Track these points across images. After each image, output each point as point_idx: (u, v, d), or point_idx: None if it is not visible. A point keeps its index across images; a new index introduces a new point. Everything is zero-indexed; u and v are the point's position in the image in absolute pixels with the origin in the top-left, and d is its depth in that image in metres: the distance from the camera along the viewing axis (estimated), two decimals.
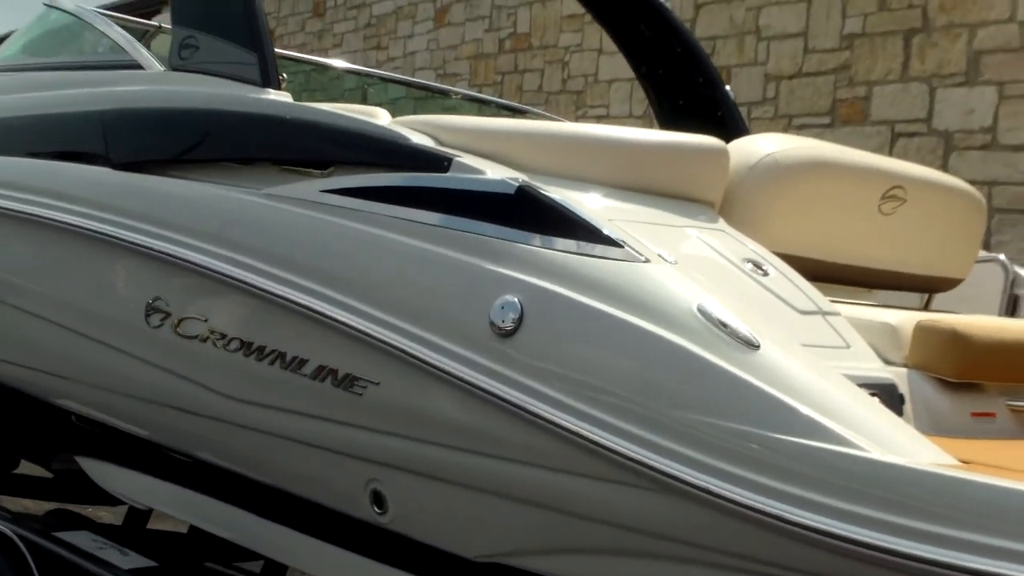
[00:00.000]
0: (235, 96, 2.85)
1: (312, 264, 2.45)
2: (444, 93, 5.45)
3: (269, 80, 2.87)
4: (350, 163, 2.53)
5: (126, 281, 3.00)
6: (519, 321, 2.08)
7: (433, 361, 2.18)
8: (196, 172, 2.83)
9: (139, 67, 3.32)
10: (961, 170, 6.40)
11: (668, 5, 4.15)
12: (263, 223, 2.60)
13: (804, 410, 1.82)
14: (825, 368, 1.97)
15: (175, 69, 3.13)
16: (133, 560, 3.22)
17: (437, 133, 2.47)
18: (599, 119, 9.72)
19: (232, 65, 2.94)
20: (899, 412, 2.14)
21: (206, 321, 2.69)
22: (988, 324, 2.67)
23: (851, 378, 1.99)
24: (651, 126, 7.68)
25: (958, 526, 1.63)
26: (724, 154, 2.60)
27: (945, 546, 1.63)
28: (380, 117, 2.61)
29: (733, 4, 8.63)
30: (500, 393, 2.08)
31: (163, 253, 2.75)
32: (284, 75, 2.98)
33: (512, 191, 2.22)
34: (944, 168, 6.65)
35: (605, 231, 2.13)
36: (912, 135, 7.36)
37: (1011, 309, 3.35)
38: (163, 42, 3.96)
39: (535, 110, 5.52)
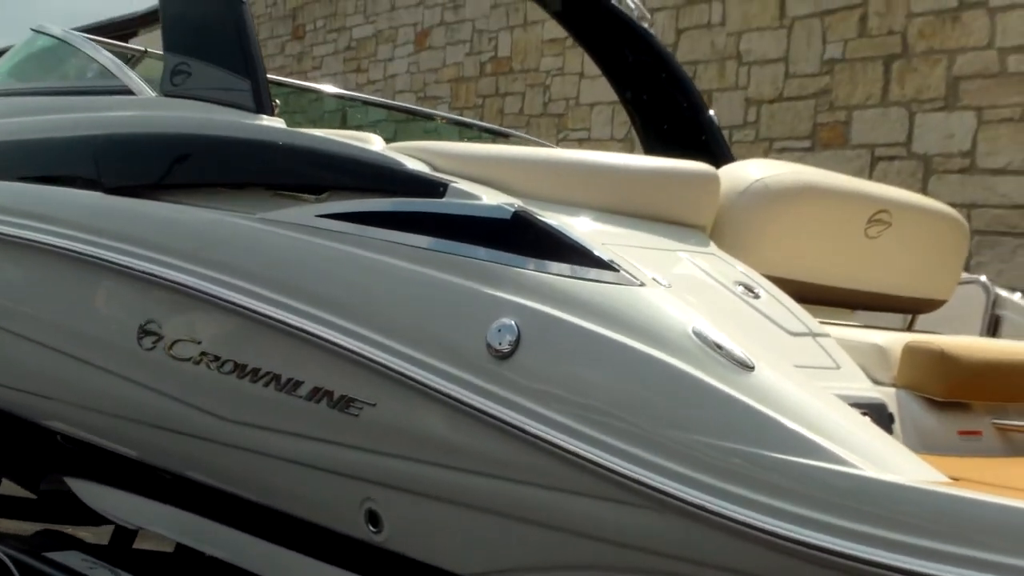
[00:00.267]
0: (230, 122, 2.87)
1: (308, 287, 2.47)
2: (430, 117, 5.48)
3: (263, 106, 2.88)
4: (345, 188, 2.55)
5: (118, 304, 3.01)
6: (516, 343, 2.11)
7: (430, 382, 2.20)
8: (190, 197, 2.84)
9: (129, 92, 3.34)
10: (940, 193, 6.47)
11: (652, 31, 4.20)
12: (258, 247, 2.62)
13: (799, 429, 1.85)
14: (817, 388, 2.00)
15: (167, 95, 3.14)
16: None
17: (432, 159, 2.50)
18: (580, 142, 9.77)
19: (225, 91, 2.96)
20: (889, 431, 2.18)
21: (200, 343, 2.70)
22: (974, 345, 2.71)
23: (842, 398, 2.03)
24: (633, 150, 7.75)
25: (949, 541, 1.67)
26: (715, 179, 2.65)
27: (937, 560, 1.67)
28: (374, 143, 2.63)
29: (714, 29, 8.70)
30: (497, 413, 2.10)
31: (156, 276, 2.76)
32: (277, 101, 3.00)
33: (508, 216, 2.25)
34: (923, 191, 6.72)
35: (601, 255, 2.16)
36: (892, 159, 7.43)
37: (992, 329, 3.40)
38: (149, 66, 3.98)
39: (518, 133, 5.56)
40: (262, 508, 2.80)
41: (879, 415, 2.22)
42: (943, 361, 2.42)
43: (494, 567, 2.30)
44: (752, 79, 8.39)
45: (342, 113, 6.75)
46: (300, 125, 2.91)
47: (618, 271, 2.13)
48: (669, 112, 4.06)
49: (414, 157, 2.51)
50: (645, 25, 4.17)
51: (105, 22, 16.73)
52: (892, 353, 2.48)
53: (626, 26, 4.11)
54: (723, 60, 8.60)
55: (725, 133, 4.27)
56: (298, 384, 2.48)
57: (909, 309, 3.29)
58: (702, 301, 2.19)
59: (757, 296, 2.38)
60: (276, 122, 2.85)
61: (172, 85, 3.12)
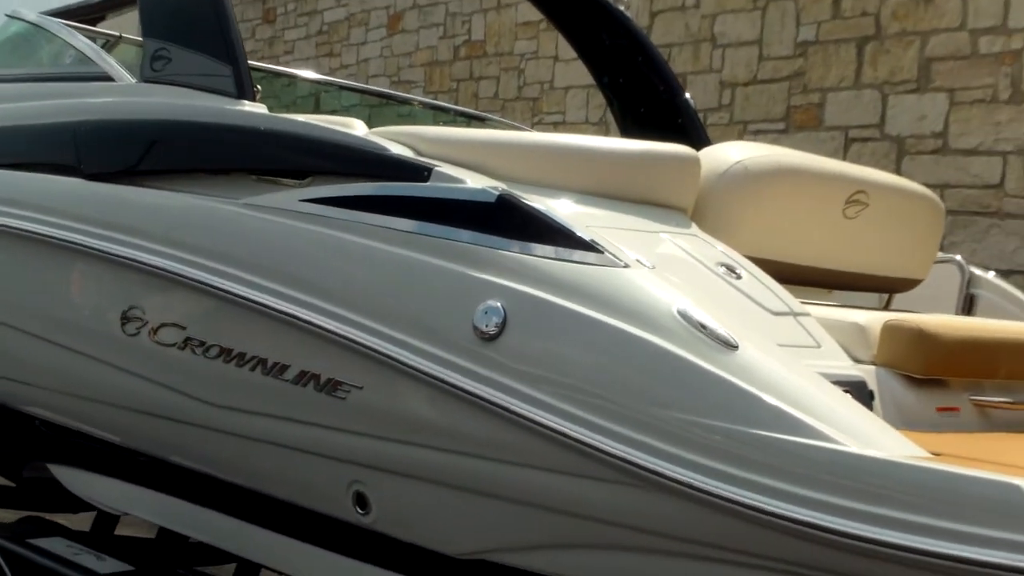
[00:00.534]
0: (212, 108, 2.87)
1: (294, 272, 2.48)
2: (405, 101, 5.48)
3: (244, 92, 2.89)
4: (329, 173, 2.56)
5: (100, 290, 3.01)
6: (502, 325, 2.13)
7: (417, 365, 2.22)
8: (172, 183, 2.84)
9: (108, 78, 3.33)
10: (914, 174, 6.51)
11: (628, 13, 4.22)
12: (242, 232, 2.63)
13: (783, 406, 1.88)
14: (800, 367, 2.04)
15: (148, 81, 3.13)
16: (110, 565, 3.23)
17: (415, 143, 2.52)
18: (555, 126, 9.78)
19: (207, 77, 2.95)
20: (869, 407, 2.20)
21: (185, 329, 2.71)
22: (952, 323, 2.75)
23: (824, 376, 2.06)
24: (607, 133, 7.77)
25: (932, 514, 1.70)
26: (696, 162, 2.67)
27: (919, 533, 1.70)
28: (356, 128, 2.64)
29: (688, 12, 8.72)
30: (484, 395, 2.12)
31: (138, 262, 2.77)
32: (259, 87, 3.00)
33: (493, 199, 2.27)
34: (897, 172, 6.76)
35: (585, 237, 2.18)
36: (865, 140, 7.48)
37: (967, 308, 3.44)
38: (124, 51, 3.97)
39: (495, 117, 5.57)
40: (249, 492, 2.81)
41: (859, 392, 2.25)
42: (922, 339, 2.45)
43: (481, 547, 2.32)
44: (726, 62, 8.42)
45: (315, 98, 6.74)
46: (273, 110, 2.91)
47: (602, 253, 2.15)
48: (646, 95, 4.08)
49: (397, 141, 2.52)
50: (621, 8, 4.20)
51: (73, 6, 16.60)
52: (872, 332, 2.51)
53: (602, 9, 4.13)
54: (697, 43, 8.62)
55: (700, 116, 4.29)
56: (284, 368, 2.49)
57: (886, 288, 3.33)
58: (685, 282, 2.21)
59: (739, 277, 2.40)
60: (258, 107, 2.86)
61: (152, 71, 3.11)
